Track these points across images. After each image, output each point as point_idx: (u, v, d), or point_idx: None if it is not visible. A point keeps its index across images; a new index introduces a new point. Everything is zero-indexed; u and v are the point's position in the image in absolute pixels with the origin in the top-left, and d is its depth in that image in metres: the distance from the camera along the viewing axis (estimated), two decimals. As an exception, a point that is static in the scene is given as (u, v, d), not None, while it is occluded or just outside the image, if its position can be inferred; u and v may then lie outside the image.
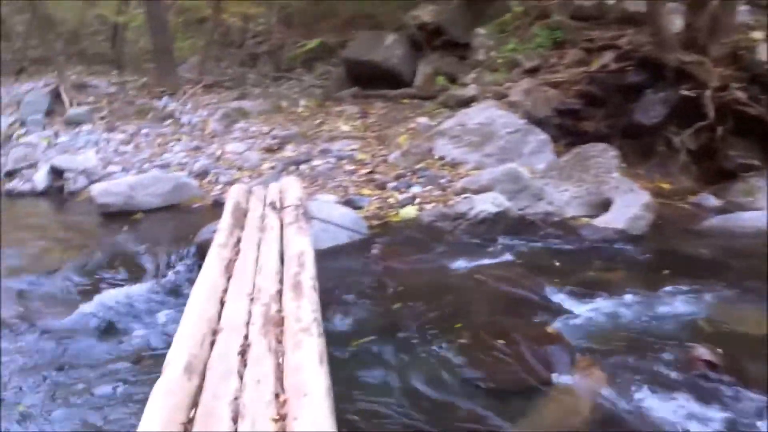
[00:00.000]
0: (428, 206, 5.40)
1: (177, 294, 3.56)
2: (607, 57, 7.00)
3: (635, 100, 6.62)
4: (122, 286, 3.68)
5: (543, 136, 6.34)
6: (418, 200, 5.52)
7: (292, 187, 4.14)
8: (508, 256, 4.31)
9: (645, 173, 6.54)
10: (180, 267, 3.95)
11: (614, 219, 4.75)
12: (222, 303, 2.40)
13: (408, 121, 7.70)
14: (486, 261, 4.21)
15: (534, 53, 7.74)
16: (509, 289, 3.73)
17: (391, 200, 5.59)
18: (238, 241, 3.18)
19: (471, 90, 7.68)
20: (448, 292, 3.67)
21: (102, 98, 9.62)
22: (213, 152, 6.93)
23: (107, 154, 6.87)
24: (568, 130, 6.99)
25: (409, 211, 5.29)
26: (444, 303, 3.50)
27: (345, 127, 7.82)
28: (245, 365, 1.90)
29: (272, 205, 3.75)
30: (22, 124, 8.49)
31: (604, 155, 5.45)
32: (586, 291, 3.69)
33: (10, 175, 6.51)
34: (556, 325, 3.28)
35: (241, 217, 3.65)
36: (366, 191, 5.80)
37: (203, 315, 2.23)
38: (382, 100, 9.04)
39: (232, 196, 4.05)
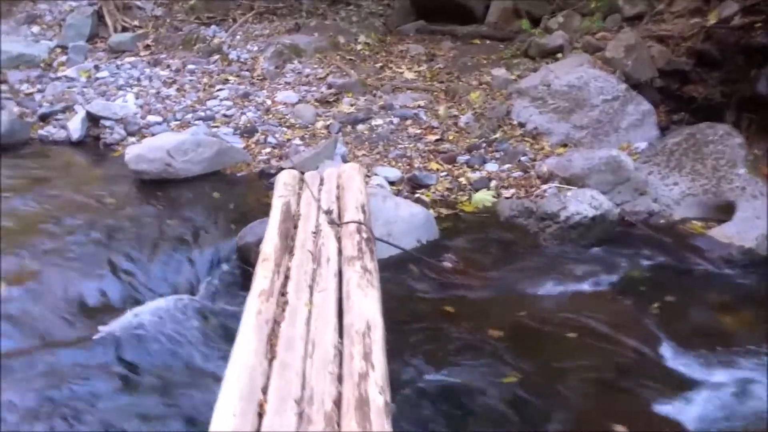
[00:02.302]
0: (507, 192, 4.63)
1: (210, 318, 2.98)
2: (730, 8, 5.83)
3: (761, 65, 5.51)
4: (146, 300, 3.10)
5: (646, 106, 5.38)
6: (494, 182, 4.74)
7: (351, 183, 3.43)
8: (605, 278, 3.57)
9: (764, 153, 5.57)
10: (218, 276, 3.37)
11: (739, 233, 3.89)
12: (260, 414, 1.79)
13: (481, 71, 6.76)
14: (580, 285, 3.49)
15: (638, -4, 6.57)
16: (612, 336, 3.02)
17: (463, 180, 4.83)
18: (286, 279, 2.53)
19: (557, 38, 6.63)
20: (537, 338, 2.99)
21: (147, 22, 8.92)
22: (262, 101, 6.21)
23: (148, 99, 6.24)
24: (671, 94, 5.98)
25: (485, 198, 4.53)
26: (534, 360, 2.82)
27: (409, 74, 6.94)
28: None
29: (329, 215, 3.07)
30: (64, 50, 7.90)
31: (727, 142, 4.51)
32: (708, 348, 2.96)
33: (45, 119, 5.96)
34: (674, 409, 2.58)
35: (290, 229, 2.99)
36: (433, 165, 5.04)
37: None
38: (450, 38, 8.07)
39: (281, 192, 3.38)
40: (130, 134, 5.59)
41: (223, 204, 4.38)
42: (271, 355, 2.03)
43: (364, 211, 3.07)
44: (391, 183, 4.73)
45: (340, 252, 2.76)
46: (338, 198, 3.36)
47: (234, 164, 4.96)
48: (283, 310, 2.29)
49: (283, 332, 2.15)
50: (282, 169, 4.59)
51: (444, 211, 4.36)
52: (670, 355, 2.93)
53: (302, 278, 2.53)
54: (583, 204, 3.93)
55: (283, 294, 2.41)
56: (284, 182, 3.55)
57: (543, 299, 3.35)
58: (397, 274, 3.38)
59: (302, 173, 3.93)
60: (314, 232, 2.95)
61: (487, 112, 5.78)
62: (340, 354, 2.05)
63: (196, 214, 4.16)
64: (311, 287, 2.48)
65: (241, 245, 3.48)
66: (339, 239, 2.87)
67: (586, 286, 3.47)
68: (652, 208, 4.27)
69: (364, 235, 2.80)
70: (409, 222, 3.71)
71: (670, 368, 2.85)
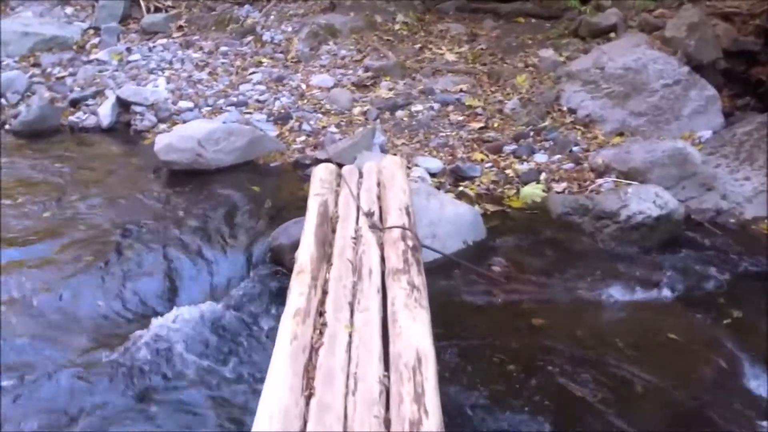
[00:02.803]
0: (558, 186, 4.30)
1: (240, 329, 2.76)
2: (807, -18, 5.33)
3: (841, 46, 5.04)
4: (172, 308, 2.88)
5: (710, 91, 4.95)
6: (543, 175, 4.41)
7: (393, 180, 3.16)
8: (673, 285, 3.24)
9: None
10: (251, 280, 3.14)
11: (822, 235, 3.51)
12: (297, 465, 1.55)
13: (527, 53, 6.38)
14: (644, 293, 3.17)
15: (700, -30, 6.06)
16: (684, 353, 2.71)
17: (509, 172, 4.51)
18: (324, 295, 2.28)
19: (611, 16, 6.20)
20: (598, 355, 2.69)
21: (180, 2, 8.72)
22: (297, 85, 5.95)
23: (179, 83, 6.03)
24: (736, 77, 5.54)
25: (534, 192, 4.22)
26: (599, 380, 2.52)
27: (450, 56, 6.59)
28: None
29: (370, 218, 2.80)
30: (97, 31, 7.75)
31: (805, 133, 4.08)
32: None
33: (76, 104, 5.81)
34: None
35: (327, 234, 2.74)
36: (478, 155, 4.72)
37: None
38: (493, 16, 7.67)
39: (317, 189, 3.13)
40: (161, 121, 5.40)
41: (256, 198, 4.14)
42: (308, 391, 1.80)
43: (408, 214, 2.80)
44: (433, 175, 4.45)
45: (382, 260, 2.50)
46: (379, 197, 3.10)
47: (267, 154, 4.72)
48: (321, 334, 2.05)
49: (322, 362, 1.91)
50: (318, 160, 4.36)
51: (490, 208, 4.06)
52: (750, 375, 2.61)
53: (341, 294, 2.28)
54: (646, 202, 3.58)
55: (320, 314, 2.16)
56: (320, 178, 3.30)
57: (604, 309, 3.06)
58: (443, 280, 3.11)
59: (339, 166, 3.68)
60: (354, 237, 2.70)
61: (535, 97, 5.42)
62: (386, 391, 1.80)
63: (228, 209, 3.94)
64: (351, 305, 2.23)
65: (275, 246, 3.25)
66: (381, 246, 2.60)
67: (651, 294, 3.16)
68: (720, 206, 3.90)
69: (410, 243, 2.53)
70: (455, 222, 3.42)
71: (751, 390, 2.53)
